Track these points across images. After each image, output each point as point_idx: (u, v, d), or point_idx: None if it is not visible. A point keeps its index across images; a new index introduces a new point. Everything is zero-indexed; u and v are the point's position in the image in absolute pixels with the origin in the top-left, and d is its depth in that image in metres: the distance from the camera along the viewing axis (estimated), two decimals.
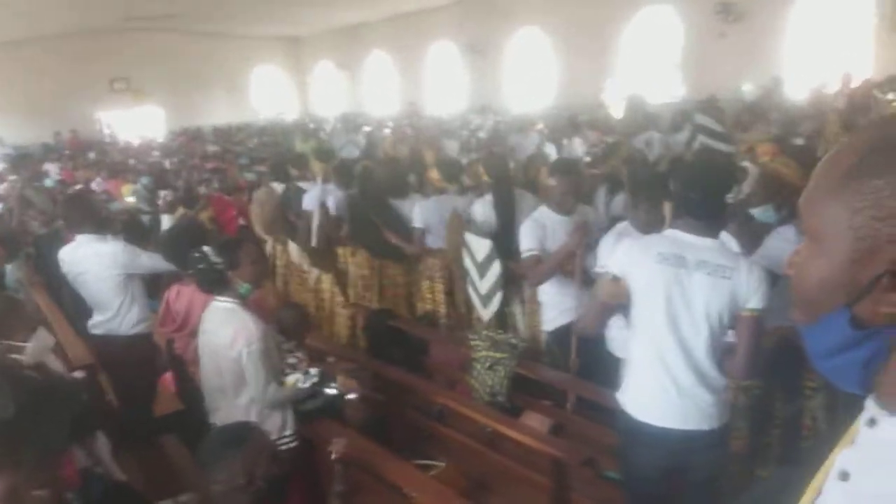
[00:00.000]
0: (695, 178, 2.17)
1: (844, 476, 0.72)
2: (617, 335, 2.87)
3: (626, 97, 9.90)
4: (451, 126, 11.64)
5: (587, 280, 3.30)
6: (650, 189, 2.89)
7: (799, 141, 5.40)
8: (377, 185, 4.82)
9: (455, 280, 4.40)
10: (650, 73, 13.29)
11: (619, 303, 2.13)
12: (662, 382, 2.14)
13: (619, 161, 5.58)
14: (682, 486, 2.21)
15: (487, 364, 3.41)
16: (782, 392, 2.59)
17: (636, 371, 2.20)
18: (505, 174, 4.44)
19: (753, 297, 2.10)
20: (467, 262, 4.07)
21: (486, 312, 3.94)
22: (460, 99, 16.79)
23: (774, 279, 2.46)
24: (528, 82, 15.53)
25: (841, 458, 0.75)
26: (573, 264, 3.31)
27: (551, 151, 7.86)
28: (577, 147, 8.15)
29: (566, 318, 3.46)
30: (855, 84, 7.85)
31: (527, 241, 3.36)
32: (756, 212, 2.69)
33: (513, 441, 2.94)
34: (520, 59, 15.77)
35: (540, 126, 9.37)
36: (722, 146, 6.25)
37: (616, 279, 2.09)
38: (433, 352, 4.18)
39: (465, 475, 3.18)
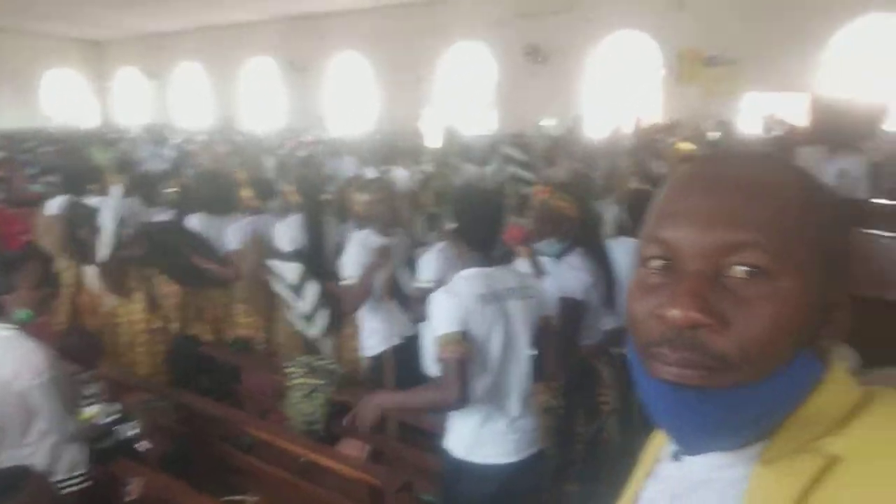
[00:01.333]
0: (469, 210, 2.27)
1: None
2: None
3: (443, 128, 10.23)
4: (270, 144, 11.28)
5: (404, 301, 3.33)
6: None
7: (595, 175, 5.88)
8: (197, 201, 4.49)
9: (264, 304, 4.22)
10: (466, 106, 13.91)
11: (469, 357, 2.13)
12: (493, 418, 2.19)
13: (436, 191, 5.70)
14: None
15: (304, 392, 3.29)
16: (583, 412, 2.77)
17: (466, 414, 2.20)
18: (316, 196, 4.34)
19: (548, 305, 2.33)
20: (278, 287, 3.92)
21: (313, 330, 3.83)
22: (279, 117, 16.41)
23: (577, 305, 2.64)
24: (349, 106, 15.56)
25: (648, 494, 0.75)
26: (387, 292, 3.33)
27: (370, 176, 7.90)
28: (396, 175, 8.24)
29: (386, 344, 3.46)
30: (644, 126, 8.75)
31: (349, 268, 3.31)
32: (540, 246, 2.87)
33: (329, 470, 2.84)
34: (341, 82, 15.77)
35: (359, 151, 9.36)
36: (527, 175, 6.72)
37: (456, 335, 2.09)
38: (245, 380, 3.96)
39: None
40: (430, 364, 3.03)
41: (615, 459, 2.79)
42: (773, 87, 10.00)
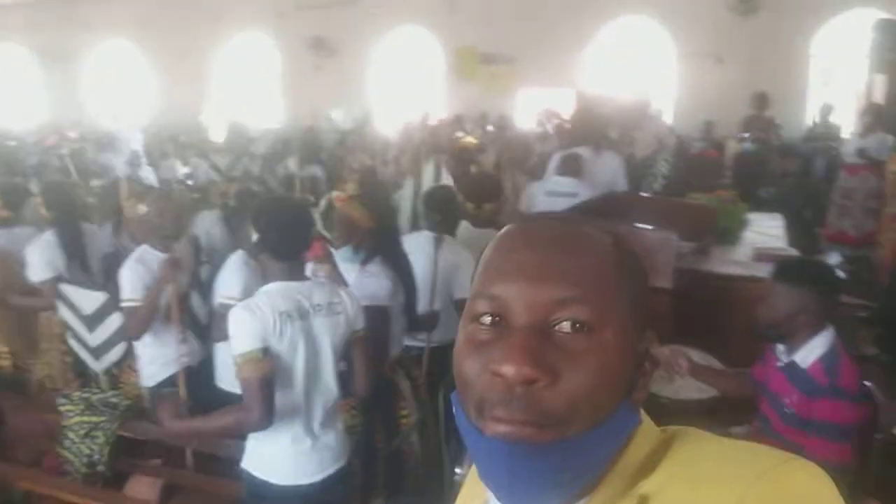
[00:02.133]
0: (274, 221, 2.20)
1: None
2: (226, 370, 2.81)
3: (227, 122, 9.76)
4: (25, 142, 9.99)
5: (196, 322, 3.14)
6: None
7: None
8: None
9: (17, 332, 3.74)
10: (250, 98, 13.38)
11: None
12: (295, 437, 2.13)
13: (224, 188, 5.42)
14: None
15: (83, 431, 2.98)
16: (383, 427, 2.81)
17: (266, 434, 2.12)
18: (70, 206, 3.88)
19: (359, 320, 2.29)
20: (65, 315, 3.45)
21: (97, 365, 3.43)
22: (37, 112, 14.61)
23: (383, 312, 2.67)
24: (120, 98, 14.27)
25: None
26: (173, 310, 3.08)
27: (147, 173, 7.34)
28: (175, 170, 7.76)
29: (169, 371, 3.19)
30: (431, 121, 9.00)
31: (128, 290, 3.01)
32: (338, 253, 2.87)
33: None
34: (109, 73, 14.40)
35: (134, 145, 8.61)
36: (319, 172, 6.64)
37: (257, 353, 2.00)
38: (12, 422, 3.50)
39: None
40: (232, 383, 2.89)
41: (418, 472, 2.87)
42: (546, 83, 10.79)
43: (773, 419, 2.29)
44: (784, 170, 9.34)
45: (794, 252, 4.63)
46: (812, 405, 2.09)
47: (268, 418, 2.00)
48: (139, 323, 3.01)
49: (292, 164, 7.17)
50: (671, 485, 0.63)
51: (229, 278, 2.93)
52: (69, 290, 3.46)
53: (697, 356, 3.21)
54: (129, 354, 3.51)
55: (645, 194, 5.37)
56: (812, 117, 9.54)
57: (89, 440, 2.99)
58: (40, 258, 3.52)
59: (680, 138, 8.62)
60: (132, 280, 3.01)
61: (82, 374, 3.63)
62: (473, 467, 0.77)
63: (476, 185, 3.97)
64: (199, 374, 3.16)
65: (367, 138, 8.48)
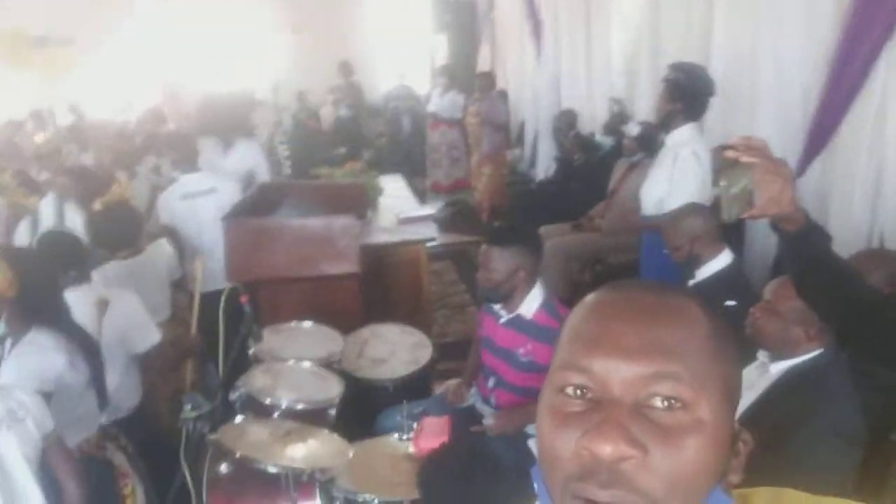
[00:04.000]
0: None
1: None
2: None
3: None
4: None
5: None
6: None
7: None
8: None
9: None
10: None
11: None
12: None
13: None
14: None
15: None
16: None
17: None
18: None
19: (47, 420, 1.83)
20: None
21: None
22: None
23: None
24: None
25: None
26: None
27: None
28: None
29: None
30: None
31: None
32: None
33: None
34: None
35: None
36: None
37: None
38: None
39: None
40: None
41: None
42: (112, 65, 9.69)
43: (504, 371, 2.51)
44: (377, 131, 10.12)
45: (429, 212, 5.07)
46: (548, 348, 2.32)
47: None
48: None
49: None
50: None
51: None
52: None
53: (396, 331, 3.34)
54: None
55: (296, 181, 5.26)
56: (390, 80, 10.39)
57: None
58: None
59: (294, 115, 8.65)
60: None
61: None
62: None
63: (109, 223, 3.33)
64: None
65: None
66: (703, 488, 0.61)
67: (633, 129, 4.61)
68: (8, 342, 2.16)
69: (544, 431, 0.63)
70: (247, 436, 2.23)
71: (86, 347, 2.27)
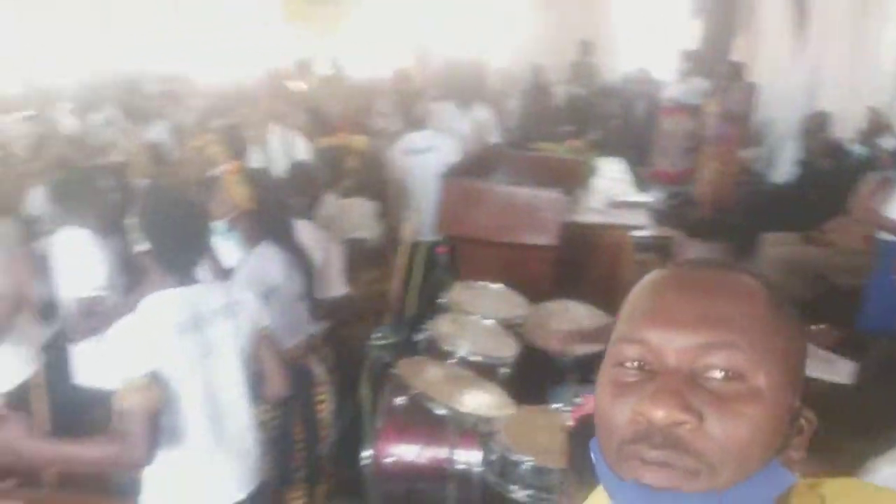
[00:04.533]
0: (165, 226, 1.91)
1: None
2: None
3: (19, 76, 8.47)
4: None
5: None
6: None
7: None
8: None
9: None
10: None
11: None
12: (202, 461, 1.88)
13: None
14: None
15: None
16: (301, 417, 2.63)
17: (170, 471, 1.86)
18: None
19: (263, 316, 2.06)
20: None
21: None
22: None
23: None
24: None
25: None
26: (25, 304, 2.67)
27: None
28: None
29: (24, 373, 2.79)
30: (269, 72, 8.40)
31: None
32: (226, 237, 2.60)
33: None
34: None
35: None
36: (164, 134, 5.94)
37: (142, 380, 1.70)
38: None
39: None
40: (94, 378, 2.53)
41: (337, 458, 2.74)
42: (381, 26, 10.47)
43: None
44: (608, 112, 9.93)
45: (646, 200, 4.95)
46: None
47: (150, 456, 1.73)
48: None
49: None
50: None
51: (85, 265, 2.54)
52: None
53: (583, 311, 3.36)
54: None
55: (514, 150, 5.42)
56: (630, 62, 10.12)
57: None
58: None
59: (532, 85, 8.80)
60: None
61: None
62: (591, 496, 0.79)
63: (333, 157, 3.79)
64: (55, 371, 2.78)
65: (197, 94, 7.73)
66: (759, 458, 0.61)
67: (890, 142, 4.09)
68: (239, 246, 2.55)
69: (603, 403, 0.65)
70: (423, 373, 2.42)
71: (303, 266, 2.61)
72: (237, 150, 3.72)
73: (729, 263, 0.71)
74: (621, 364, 0.65)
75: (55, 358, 2.90)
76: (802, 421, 0.66)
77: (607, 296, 4.14)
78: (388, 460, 2.47)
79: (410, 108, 4.79)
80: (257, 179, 2.61)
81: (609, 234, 4.25)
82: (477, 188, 3.66)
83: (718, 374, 0.61)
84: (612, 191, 4.89)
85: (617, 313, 0.71)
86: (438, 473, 2.40)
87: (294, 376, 2.43)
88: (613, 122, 9.66)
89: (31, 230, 3.45)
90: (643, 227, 4.32)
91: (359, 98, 7.28)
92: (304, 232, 2.85)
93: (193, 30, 11.01)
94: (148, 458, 1.73)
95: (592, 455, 0.68)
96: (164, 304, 1.83)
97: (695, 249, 2.29)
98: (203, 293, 1.92)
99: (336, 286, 3.04)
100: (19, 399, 2.83)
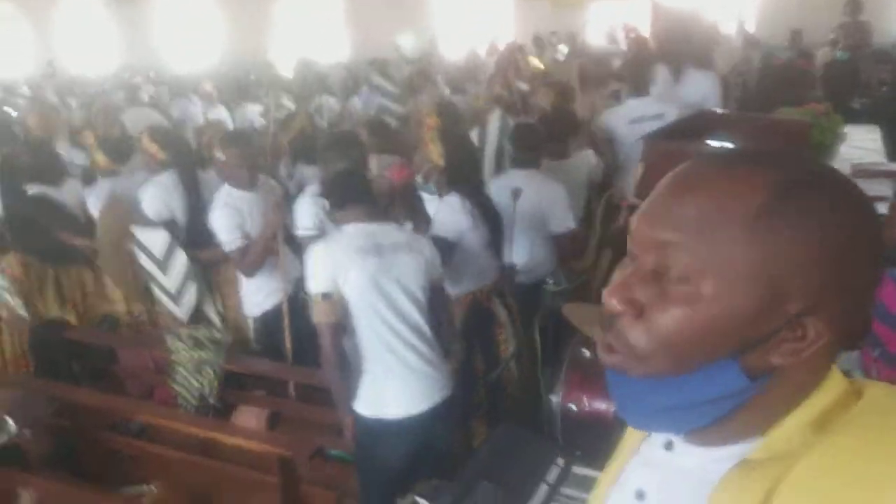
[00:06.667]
0: (333, 165, 2.24)
1: (641, 496, 0.74)
2: None
3: (297, 59, 9.71)
4: (107, 87, 10.19)
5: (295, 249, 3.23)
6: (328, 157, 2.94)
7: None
8: (22, 173, 3.99)
9: (132, 276, 3.89)
10: (315, 32, 13.24)
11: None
12: (399, 373, 2.20)
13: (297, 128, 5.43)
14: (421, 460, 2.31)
15: (192, 366, 3.15)
16: (482, 354, 2.86)
17: (368, 372, 2.21)
18: (185, 148, 4.01)
19: (438, 267, 2.33)
20: (143, 261, 3.57)
21: (180, 310, 3.58)
22: (110, 57, 14.82)
23: (450, 246, 2.68)
24: (189, 40, 14.34)
25: (636, 476, 0.76)
26: (275, 243, 3.19)
27: (223, 116, 7.42)
28: (250, 112, 7.80)
29: (274, 301, 3.32)
30: (502, 47, 8.73)
31: (226, 233, 3.13)
32: (421, 184, 2.89)
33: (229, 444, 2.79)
34: (178, 13, 14.44)
35: (208, 88, 8.64)
36: (395, 107, 6.55)
37: (327, 296, 2.06)
38: (123, 359, 3.74)
39: (183, 493, 2.93)
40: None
41: (517, 398, 2.92)
42: None
43: (889, 340, 2.20)
44: (879, 79, 8.71)
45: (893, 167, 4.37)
46: None
47: (340, 362, 2.10)
48: (254, 261, 3.15)
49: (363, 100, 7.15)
50: (832, 451, 0.59)
51: (303, 212, 3.06)
52: (140, 233, 3.49)
53: None
54: (222, 285, 3.63)
55: (732, 112, 5.10)
56: None
57: (198, 376, 3.16)
58: (156, 199, 3.51)
59: (768, 49, 8.11)
60: (228, 222, 3.12)
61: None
62: None
63: (554, 121, 3.94)
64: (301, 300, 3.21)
65: (437, 68, 8.28)
66: (696, 357, 0.62)
67: None
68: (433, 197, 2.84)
69: None
70: (589, 318, 2.48)
71: (489, 217, 2.82)
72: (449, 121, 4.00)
73: (743, 156, 0.66)
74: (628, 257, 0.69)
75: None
76: (802, 330, 0.61)
77: None
78: (574, 407, 2.51)
79: (634, 73, 4.71)
80: (448, 140, 2.86)
81: None
82: (677, 149, 3.53)
83: (673, 274, 0.62)
84: (859, 159, 4.40)
85: None
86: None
87: (477, 317, 2.66)
88: (882, 90, 8.47)
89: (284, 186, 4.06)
90: (883, 199, 3.84)
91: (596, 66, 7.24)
92: (531, 178, 3.11)
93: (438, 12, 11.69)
94: (338, 367, 2.07)
95: None
96: (350, 233, 2.19)
97: None
98: (386, 230, 2.23)
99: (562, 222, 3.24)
100: (272, 322, 3.37)
